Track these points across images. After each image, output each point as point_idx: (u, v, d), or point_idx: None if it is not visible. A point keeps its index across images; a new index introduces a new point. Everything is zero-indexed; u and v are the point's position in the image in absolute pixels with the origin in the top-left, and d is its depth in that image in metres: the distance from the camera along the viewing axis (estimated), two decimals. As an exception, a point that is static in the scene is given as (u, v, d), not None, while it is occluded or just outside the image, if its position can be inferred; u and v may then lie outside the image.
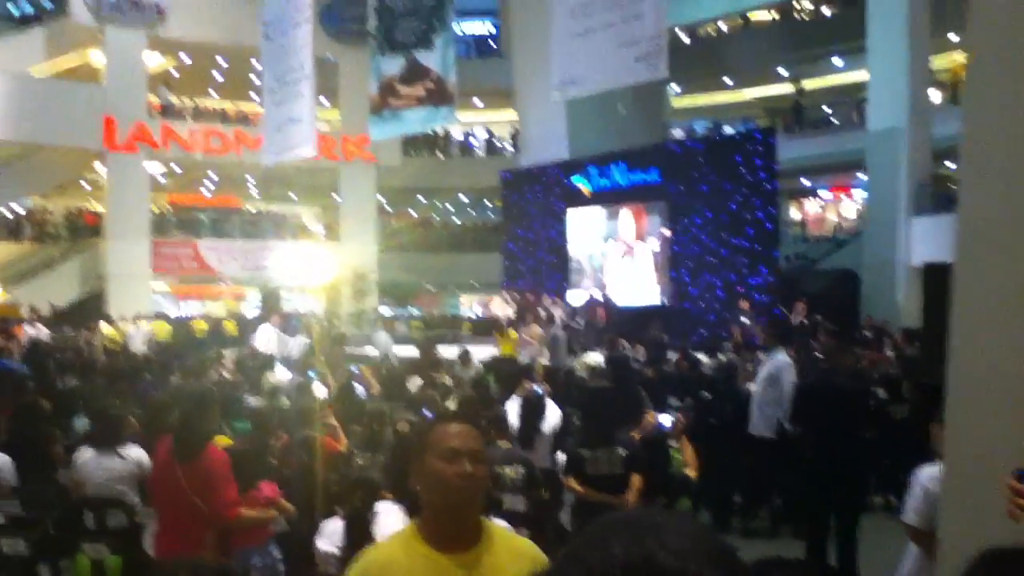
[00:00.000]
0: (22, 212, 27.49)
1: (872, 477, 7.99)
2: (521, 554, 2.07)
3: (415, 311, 31.00)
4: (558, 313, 16.50)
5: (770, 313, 14.76)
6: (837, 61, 26.34)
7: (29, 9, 26.85)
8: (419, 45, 16.68)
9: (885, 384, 8.55)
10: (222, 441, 5.49)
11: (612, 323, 15.50)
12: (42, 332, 17.17)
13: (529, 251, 21.17)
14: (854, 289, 18.80)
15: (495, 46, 31.34)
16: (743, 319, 14.51)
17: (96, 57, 25.37)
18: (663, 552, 0.70)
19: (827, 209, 30.17)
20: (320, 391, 8.67)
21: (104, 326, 18.58)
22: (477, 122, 31.34)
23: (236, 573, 1.44)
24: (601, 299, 16.48)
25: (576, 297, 18.88)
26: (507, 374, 8.85)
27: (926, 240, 17.34)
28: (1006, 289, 2.84)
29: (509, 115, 27.38)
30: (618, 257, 18.90)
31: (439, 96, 16.57)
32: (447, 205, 35.41)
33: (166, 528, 4.45)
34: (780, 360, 7.64)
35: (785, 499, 7.74)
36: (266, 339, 13.30)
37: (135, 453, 5.31)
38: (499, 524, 2.17)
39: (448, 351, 11.63)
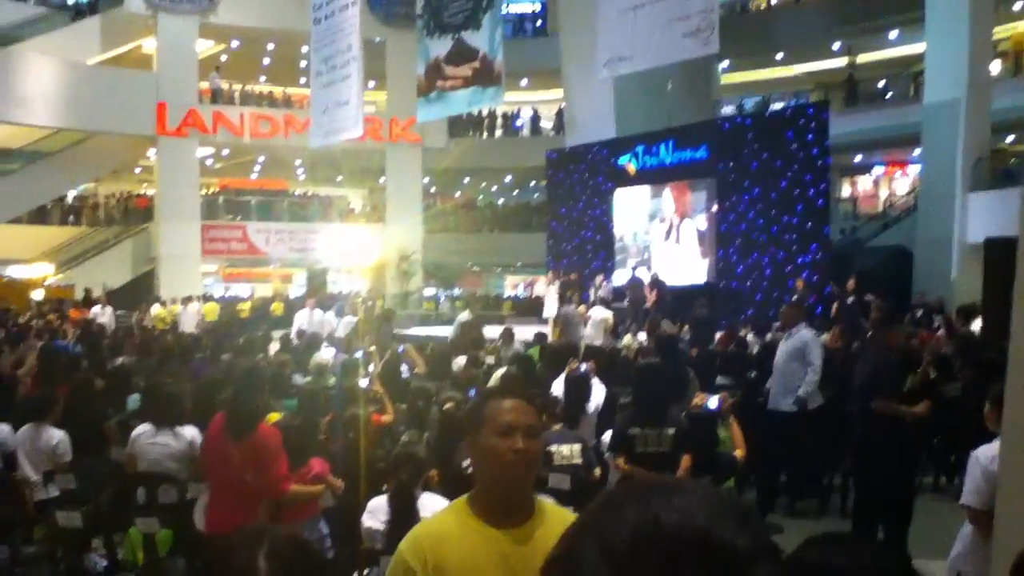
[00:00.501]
0: (75, 196, 28.14)
1: (923, 456, 7.82)
2: None
3: (459, 291, 31.12)
4: (600, 293, 16.41)
5: (821, 291, 14.50)
6: (892, 34, 25.63)
7: (84, 0, 27.38)
8: (466, 26, 16.67)
9: (936, 362, 8.33)
10: (273, 417, 5.57)
11: (662, 302, 15.35)
12: (107, 314, 17.68)
13: (573, 231, 21.06)
14: (907, 267, 18.40)
15: (542, 25, 31.13)
16: (795, 298, 14.27)
17: (149, 44, 25.80)
18: (670, 512, 0.68)
19: (880, 185, 29.50)
20: (368, 369, 8.79)
21: (156, 307, 18.98)
22: (524, 102, 31.20)
23: (311, 544, 1.43)
24: (648, 279, 16.31)
25: (621, 277, 18.76)
26: (552, 353, 8.84)
27: (983, 216, 16.85)
28: None
29: (556, 95, 27.21)
30: (662, 236, 18.72)
31: (486, 76, 16.54)
32: (493, 186, 35.41)
33: (218, 503, 4.53)
34: (805, 335, 7.62)
35: (829, 479, 7.64)
36: (302, 320, 13.75)
37: (189, 432, 5.41)
38: (551, 502, 2.15)
39: (492, 331, 11.64)
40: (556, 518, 2.07)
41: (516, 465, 1.99)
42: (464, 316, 14.85)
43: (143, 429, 5.43)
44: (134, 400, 7.03)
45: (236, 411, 4.41)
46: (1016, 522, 2.94)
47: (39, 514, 5.58)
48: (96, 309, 18.05)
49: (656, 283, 15.88)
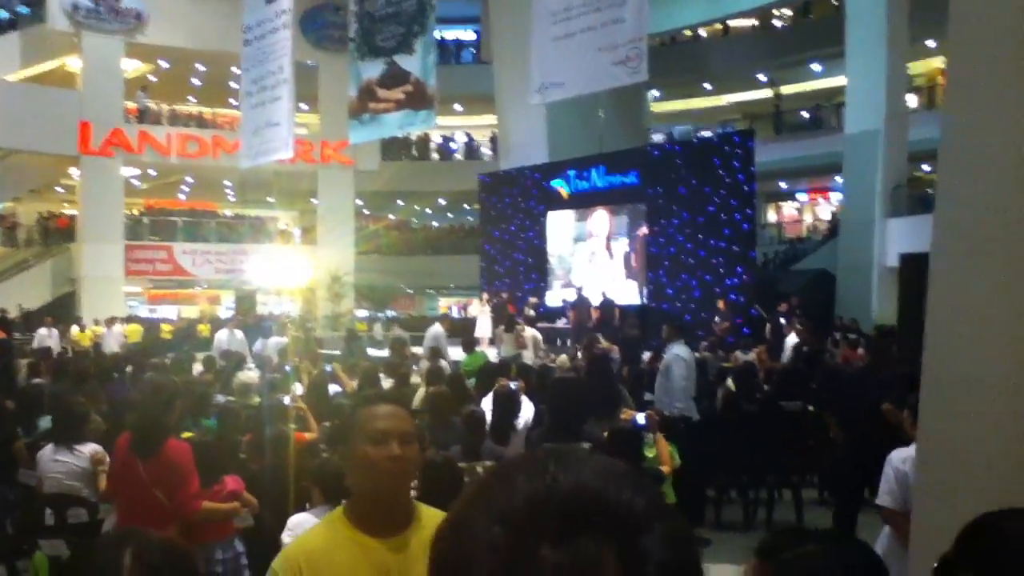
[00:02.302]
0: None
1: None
2: None
3: (392, 313, 30.91)
4: (529, 313, 16.51)
5: (746, 313, 14.82)
6: (815, 67, 26.54)
7: (4, 15, 26.59)
8: (399, 50, 16.66)
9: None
10: (186, 436, 5.42)
11: (605, 323, 15.52)
12: (53, 336, 17.11)
13: (506, 253, 21.16)
14: (830, 289, 18.93)
15: (477, 52, 31.35)
16: (718, 319, 14.57)
17: (73, 63, 25.15)
18: (565, 476, 0.67)
19: (804, 211, 30.38)
20: (295, 388, 8.65)
21: (74, 329, 18.41)
22: (458, 127, 31.31)
23: (181, 548, 1.39)
24: (597, 299, 16.52)
25: (554, 297, 18.89)
26: (484, 372, 8.81)
27: (901, 241, 17.48)
28: (980, 283, 2.90)
29: (489, 120, 27.39)
30: (587, 257, 19.07)
31: (418, 100, 16.54)
32: (427, 209, 35.38)
33: (127, 523, 4.36)
34: (673, 352, 8.15)
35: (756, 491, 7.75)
36: (221, 340, 13.84)
37: (89, 449, 5.21)
38: (430, 508, 2.11)
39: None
40: (436, 523, 2.02)
41: (392, 472, 1.94)
42: (435, 329, 14.76)
43: (46, 449, 5.23)
44: (46, 421, 6.77)
45: (141, 428, 4.27)
46: (932, 523, 3.03)
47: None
48: (42, 331, 17.43)
49: (604, 304, 16.08)
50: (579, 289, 17.63)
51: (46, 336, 17.12)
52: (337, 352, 13.95)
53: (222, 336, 14.51)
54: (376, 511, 1.97)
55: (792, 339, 12.37)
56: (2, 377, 9.24)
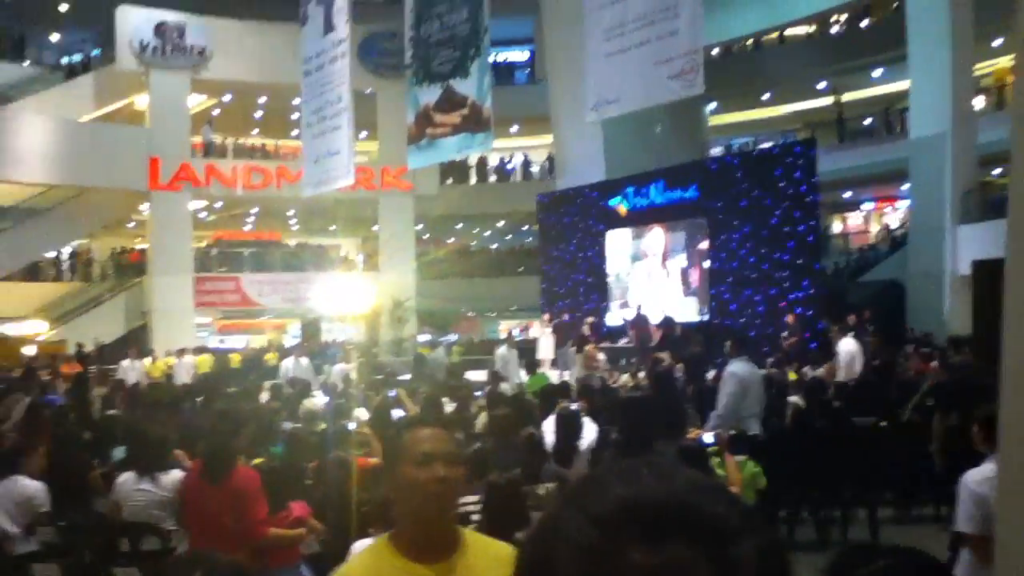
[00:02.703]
0: (68, 252, 28.18)
1: (922, 485, 7.74)
2: (500, 560, 1.98)
3: (454, 337, 31.07)
4: (587, 333, 16.43)
5: (814, 326, 14.48)
6: (876, 72, 26.00)
7: (77, 59, 27.72)
8: (455, 74, 16.82)
9: (933, 391, 8.27)
10: (258, 460, 5.49)
11: (668, 341, 15.34)
12: (136, 369, 17.60)
13: (566, 273, 21.09)
14: (899, 300, 18.41)
15: (531, 73, 31.53)
16: (786, 333, 14.27)
17: (141, 100, 26.04)
18: (656, 486, 0.67)
19: (871, 220, 29.66)
20: (360, 414, 8.72)
21: (146, 361, 18.90)
22: (515, 148, 31.47)
23: (249, 570, 1.42)
24: (657, 318, 16.37)
25: (615, 317, 18.74)
26: (544, 393, 8.78)
27: (973, 248, 16.89)
28: None
29: (546, 140, 27.45)
30: (644, 276, 18.92)
31: (475, 123, 16.65)
32: (487, 231, 35.56)
33: (199, 548, 4.43)
34: (727, 369, 7.92)
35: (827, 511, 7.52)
36: (288, 368, 14.11)
37: (172, 477, 5.32)
38: (476, 532, 2.08)
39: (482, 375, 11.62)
40: (483, 549, 2.01)
41: (438, 495, 1.93)
42: (503, 352, 14.72)
43: (126, 477, 5.35)
44: (120, 451, 6.94)
45: (211, 454, 4.35)
46: (1018, 545, 2.88)
47: (15, 570, 5.45)
48: (125, 364, 17.94)
49: (665, 322, 15.89)
50: (638, 307, 17.47)
51: (129, 368, 17.61)
52: (406, 376, 14.06)
53: (288, 364, 14.78)
54: (421, 536, 1.95)
55: (846, 345, 11.68)
56: (79, 409, 9.52)
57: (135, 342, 21.76)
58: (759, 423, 7.80)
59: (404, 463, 1.97)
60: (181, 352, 19.41)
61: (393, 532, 2.00)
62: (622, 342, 17.21)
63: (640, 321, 16.61)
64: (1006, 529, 3.06)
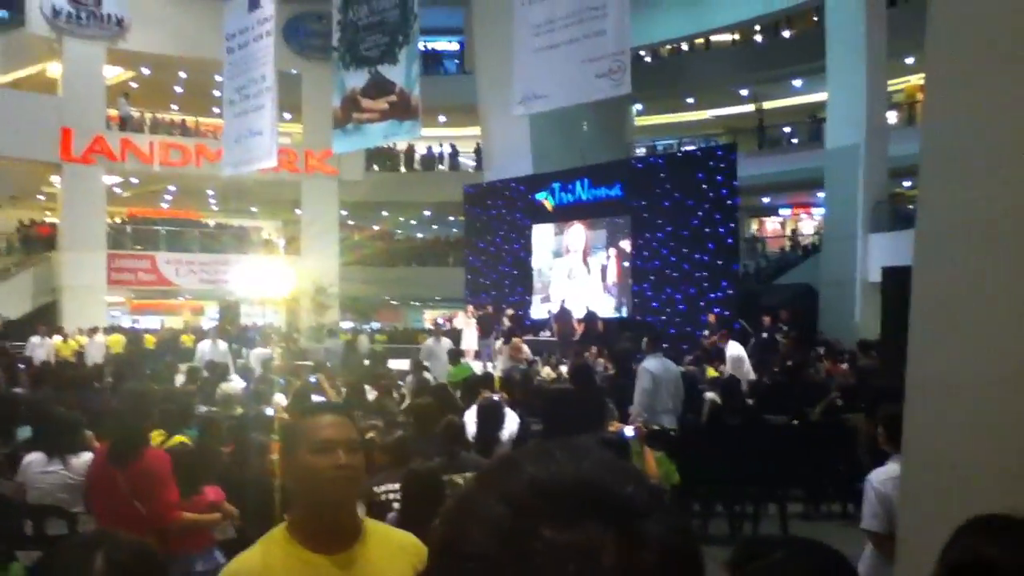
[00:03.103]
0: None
1: (828, 486, 8.03)
2: (403, 549, 1.96)
3: (376, 325, 30.82)
4: (509, 325, 16.52)
5: (730, 326, 14.86)
6: (796, 82, 26.77)
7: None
8: (383, 60, 16.66)
9: (841, 392, 8.61)
10: (176, 440, 5.37)
11: (590, 335, 15.51)
12: (46, 345, 16.92)
13: (492, 265, 21.16)
14: (813, 303, 19.02)
15: (460, 63, 31.43)
16: (707, 332, 14.61)
17: (54, 68, 24.98)
18: (568, 466, 0.68)
19: (786, 225, 30.57)
20: (280, 400, 8.59)
21: (56, 339, 18.23)
22: (442, 137, 31.34)
23: (153, 550, 1.38)
24: (580, 312, 16.51)
25: (536, 311, 18.89)
26: (468, 385, 8.79)
27: (882, 256, 17.58)
28: (961, 295, 2.92)
29: (473, 131, 27.42)
30: (565, 272, 19.14)
31: (402, 110, 16.54)
32: (412, 220, 35.35)
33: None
34: (641, 364, 8.20)
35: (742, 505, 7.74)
36: (204, 351, 13.79)
37: (83, 460, 5.15)
38: (377, 521, 2.06)
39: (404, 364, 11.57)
40: (384, 538, 1.97)
41: (339, 481, 1.87)
42: (430, 343, 14.55)
43: (33, 458, 5.17)
44: (25, 431, 6.69)
45: (118, 437, 4.23)
46: (918, 542, 3.02)
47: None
48: (35, 340, 17.23)
49: (588, 316, 16.05)
50: (562, 302, 17.64)
51: (37, 345, 16.95)
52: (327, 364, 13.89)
53: (204, 347, 14.41)
54: (321, 525, 1.89)
55: (733, 349, 12.03)
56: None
57: (44, 319, 20.95)
58: (673, 417, 7.98)
59: (303, 450, 1.90)
60: (93, 331, 18.78)
61: (290, 521, 1.93)
62: (543, 335, 17.38)
63: (563, 315, 16.76)
64: (907, 528, 3.21)
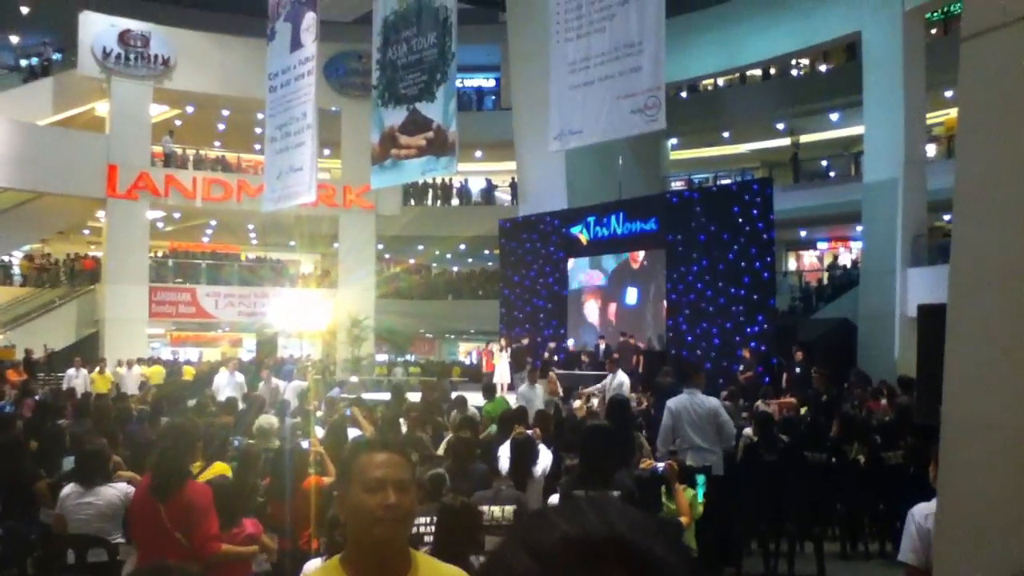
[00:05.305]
0: (20, 256, 27.60)
1: (867, 522, 7.89)
2: None
3: (412, 357, 30.93)
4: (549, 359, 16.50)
5: (767, 362, 14.72)
6: (833, 116, 26.65)
7: (36, 62, 27.28)
8: (421, 97, 16.89)
9: (880, 430, 8.47)
10: (218, 468, 5.44)
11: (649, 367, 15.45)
12: (81, 376, 17.34)
13: (526, 298, 21.21)
14: (851, 338, 18.76)
15: (496, 100, 31.79)
16: (741, 367, 14.48)
17: (102, 107, 25.71)
18: (599, 523, 0.71)
19: (824, 259, 30.27)
20: (315, 432, 8.64)
21: (93, 370, 18.57)
22: (478, 172, 31.63)
23: None
24: (637, 344, 16.52)
25: (575, 343, 18.87)
26: (503, 419, 8.79)
27: (922, 290, 17.34)
28: (998, 332, 2.90)
29: (509, 166, 27.65)
30: (597, 306, 19.16)
31: (440, 146, 16.72)
32: (447, 254, 35.59)
33: (146, 563, 4.38)
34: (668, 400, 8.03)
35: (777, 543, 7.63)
36: (220, 383, 13.83)
37: (116, 489, 5.25)
38: (427, 556, 2.11)
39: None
40: (433, 572, 2.01)
41: (385, 521, 1.91)
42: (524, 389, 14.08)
43: (70, 490, 5.28)
44: (69, 462, 6.82)
45: (160, 471, 4.31)
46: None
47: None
48: (71, 372, 17.59)
49: (647, 347, 16.01)
50: (622, 334, 17.62)
51: (74, 376, 17.27)
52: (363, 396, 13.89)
53: (221, 379, 14.38)
54: (371, 559, 1.94)
55: (619, 378, 12.35)
56: (27, 416, 9.32)
57: (86, 350, 21.36)
58: (707, 454, 7.75)
59: (355, 487, 1.96)
60: (129, 363, 19.07)
61: (344, 554, 1.99)
62: (578, 369, 17.33)
63: (624, 347, 16.66)
64: (943, 564, 3.18)
